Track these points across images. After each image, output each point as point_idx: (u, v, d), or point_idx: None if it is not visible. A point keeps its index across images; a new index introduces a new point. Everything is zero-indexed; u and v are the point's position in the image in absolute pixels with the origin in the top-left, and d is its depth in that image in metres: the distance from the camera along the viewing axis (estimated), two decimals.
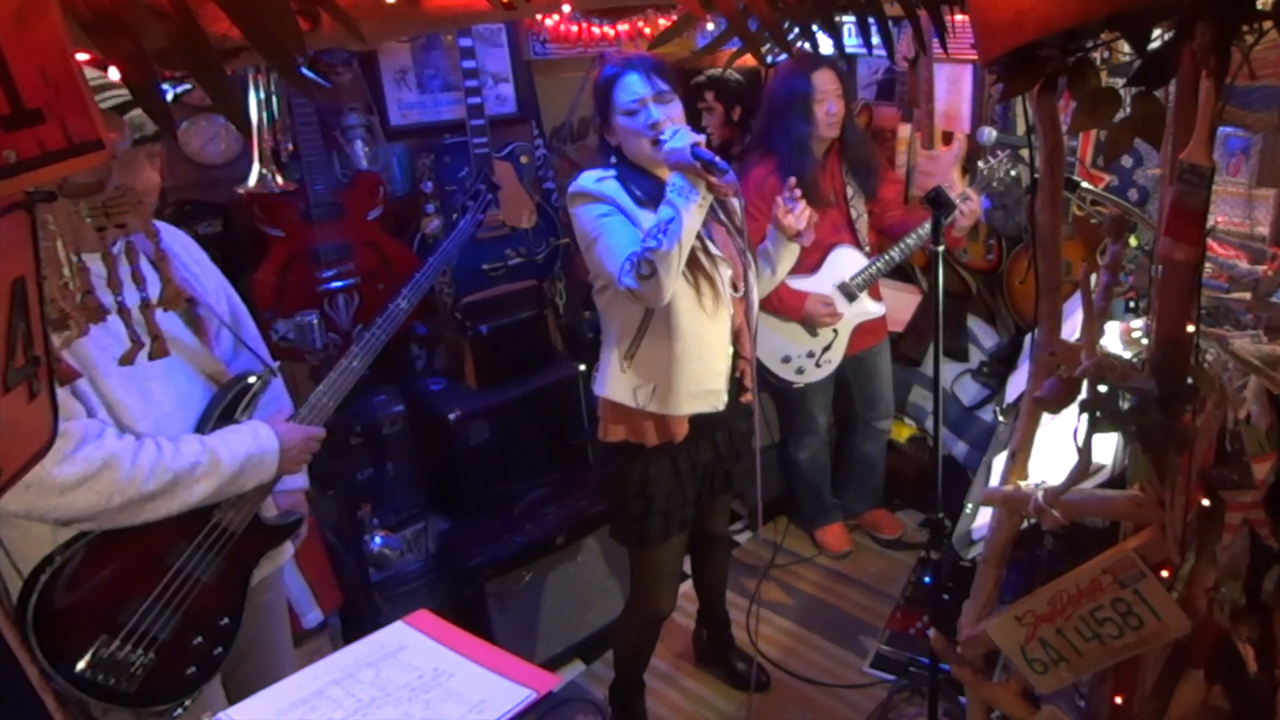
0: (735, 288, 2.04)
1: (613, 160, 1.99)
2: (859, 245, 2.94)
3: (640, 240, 1.84)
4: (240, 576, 1.64)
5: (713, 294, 1.99)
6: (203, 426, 1.58)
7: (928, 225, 2.74)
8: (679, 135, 1.82)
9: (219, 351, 1.68)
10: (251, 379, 1.66)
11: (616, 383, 2.04)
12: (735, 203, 2.08)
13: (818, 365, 2.97)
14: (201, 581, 1.55)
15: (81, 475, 1.35)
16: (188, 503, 1.48)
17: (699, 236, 1.92)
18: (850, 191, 2.92)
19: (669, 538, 2.15)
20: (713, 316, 2.01)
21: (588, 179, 1.97)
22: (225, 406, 1.61)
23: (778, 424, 3.33)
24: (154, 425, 1.49)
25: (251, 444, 1.55)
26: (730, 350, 2.07)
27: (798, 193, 2.01)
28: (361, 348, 1.76)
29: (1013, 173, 2.73)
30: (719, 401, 2.07)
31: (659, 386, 2.01)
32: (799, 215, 2.00)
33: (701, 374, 2.03)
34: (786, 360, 2.94)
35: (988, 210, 2.92)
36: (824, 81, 2.71)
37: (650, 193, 1.93)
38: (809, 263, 2.84)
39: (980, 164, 2.76)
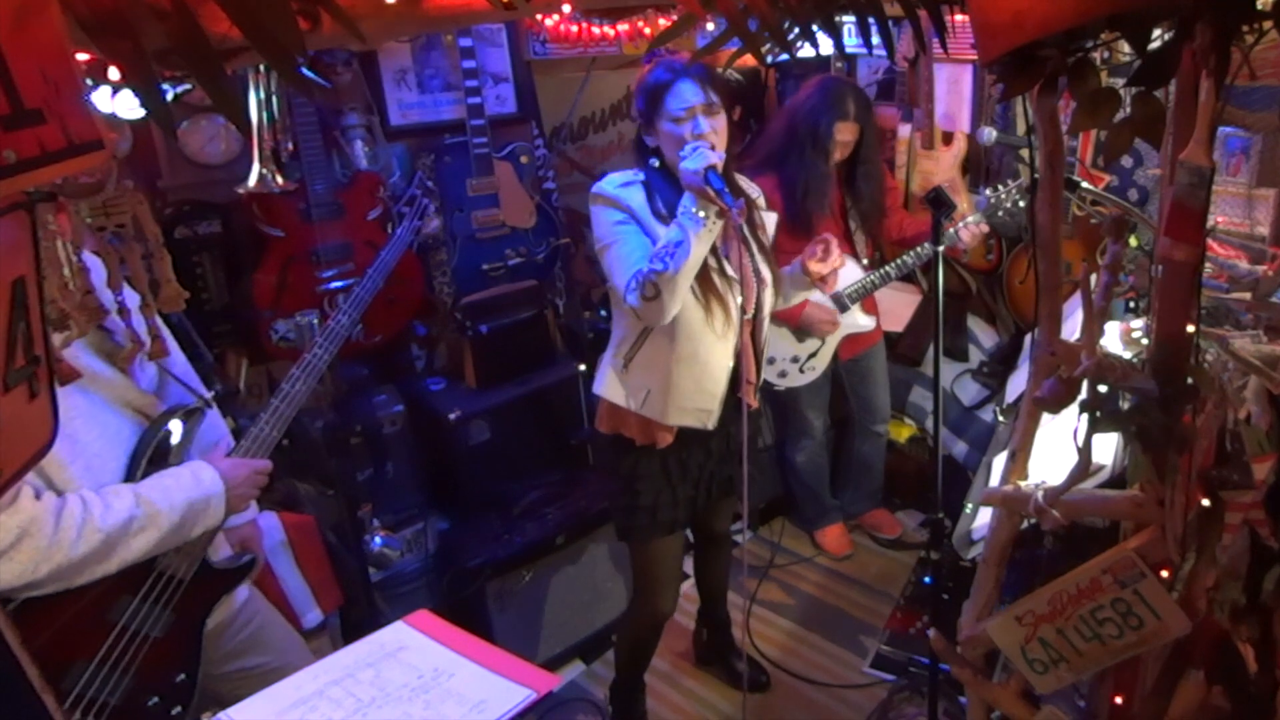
0: (745, 309, 2.03)
1: (651, 163, 1.97)
2: (856, 257, 2.92)
3: (648, 258, 1.83)
4: (193, 628, 1.53)
5: (724, 315, 1.98)
6: (135, 466, 1.46)
7: (925, 247, 2.75)
8: (697, 155, 1.79)
9: (145, 383, 1.57)
10: (183, 413, 1.55)
11: (613, 383, 2.06)
12: (769, 221, 2.08)
13: (801, 371, 2.96)
14: (151, 637, 1.44)
15: None
16: (127, 560, 1.37)
17: (715, 255, 1.93)
18: (849, 203, 2.91)
19: (655, 537, 2.15)
20: (721, 337, 2.00)
21: (611, 182, 1.95)
22: (158, 445, 1.49)
23: (773, 426, 3.33)
24: (85, 467, 1.38)
25: (193, 489, 1.44)
26: (730, 371, 2.05)
27: (831, 246, 2.02)
28: (303, 370, 1.64)
29: (1021, 203, 2.70)
30: (710, 420, 2.06)
31: (652, 393, 2.01)
32: (828, 264, 2.02)
33: (695, 392, 2.02)
34: (771, 362, 2.93)
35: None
36: (844, 133, 2.71)
37: (675, 208, 1.91)
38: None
39: (988, 191, 2.75)
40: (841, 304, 2.86)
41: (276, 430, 1.60)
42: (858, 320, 2.95)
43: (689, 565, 2.69)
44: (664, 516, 2.13)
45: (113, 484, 1.41)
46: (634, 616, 2.38)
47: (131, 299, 1.39)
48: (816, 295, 2.83)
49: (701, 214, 1.79)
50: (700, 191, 1.79)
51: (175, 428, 1.52)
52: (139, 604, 1.44)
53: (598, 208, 1.95)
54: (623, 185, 1.94)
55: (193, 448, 1.55)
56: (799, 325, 2.85)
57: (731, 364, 2.05)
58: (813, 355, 2.94)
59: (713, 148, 1.83)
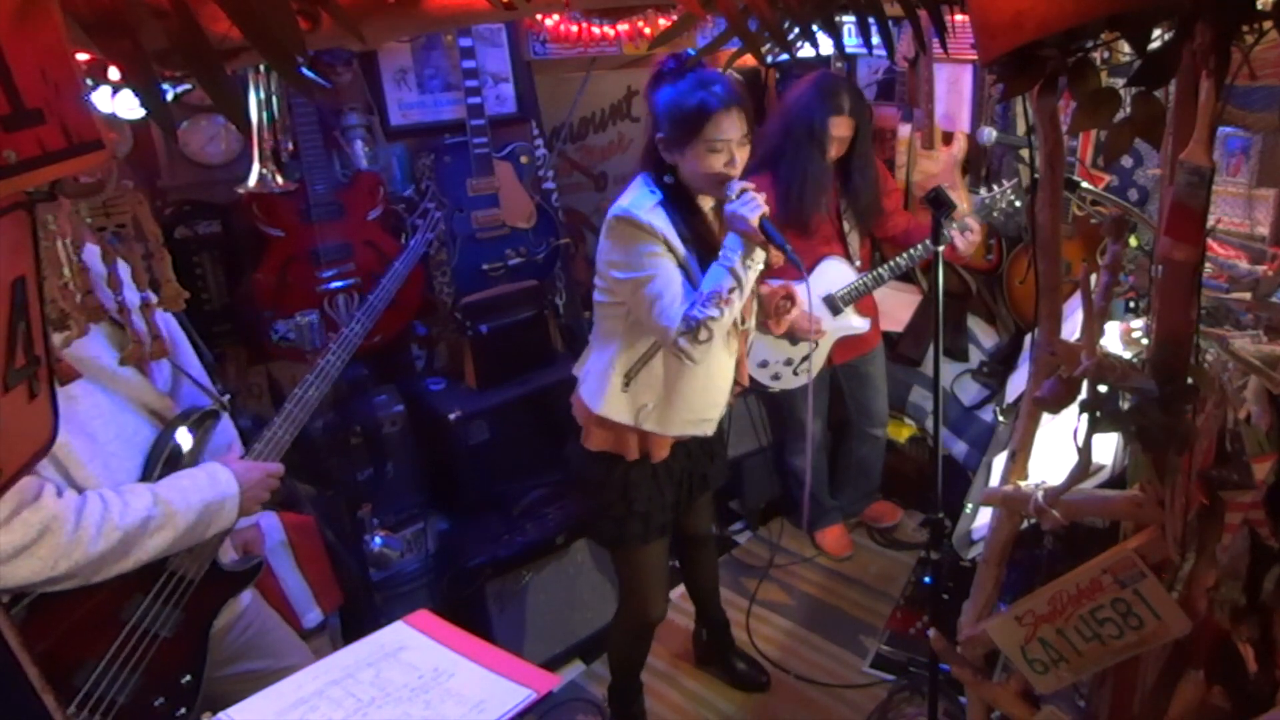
0: (744, 320, 2.05)
1: (665, 179, 1.91)
2: (849, 258, 2.91)
3: (692, 296, 1.83)
4: (201, 629, 1.55)
5: (733, 332, 2.00)
6: (151, 466, 1.48)
7: (919, 247, 2.74)
8: (749, 203, 1.78)
9: (161, 384, 1.57)
10: (198, 417, 1.56)
11: (615, 401, 1.99)
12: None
13: (795, 374, 2.96)
14: (160, 637, 1.46)
15: (19, 543, 1.24)
16: (143, 559, 1.38)
17: None
18: (843, 204, 2.90)
19: (648, 541, 2.15)
20: (729, 352, 2.03)
21: (639, 207, 1.87)
22: (173, 448, 1.50)
23: (769, 428, 3.33)
24: (102, 466, 1.39)
25: (209, 490, 1.46)
26: (732, 381, 2.09)
27: (796, 297, 2.13)
28: (316, 376, 1.67)
29: (1017, 203, 2.68)
30: (710, 428, 2.08)
31: (656, 407, 2.00)
32: (784, 318, 2.13)
33: (702, 404, 2.04)
34: (764, 365, 2.93)
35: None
36: (839, 128, 2.70)
37: (697, 232, 1.91)
38: (795, 272, 2.81)
39: (983, 191, 2.74)
40: (834, 306, 2.85)
41: (289, 434, 1.62)
42: (851, 323, 2.94)
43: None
44: (656, 521, 2.14)
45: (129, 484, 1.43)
46: (624, 623, 2.38)
47: (132, 298, 1.39)
48: (801, 298, 2.84)
49: (753, 261, 1.81)
50: (750, 237, 1.80)
51: (189, 431, 1.53)
52: (150, 603, 1.45)
53: (630, 234, 1.86)
54: (650, 210, 1.87)
55: (205, 451, 1.56)
56: (782, 334, 2.84)
57: (732, 373, 2.08)
58: (806, 358, 2.93)
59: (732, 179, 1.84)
